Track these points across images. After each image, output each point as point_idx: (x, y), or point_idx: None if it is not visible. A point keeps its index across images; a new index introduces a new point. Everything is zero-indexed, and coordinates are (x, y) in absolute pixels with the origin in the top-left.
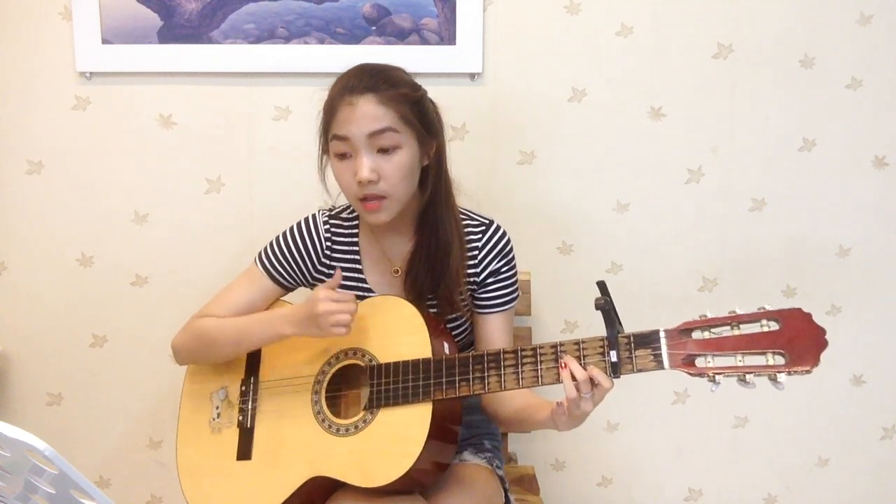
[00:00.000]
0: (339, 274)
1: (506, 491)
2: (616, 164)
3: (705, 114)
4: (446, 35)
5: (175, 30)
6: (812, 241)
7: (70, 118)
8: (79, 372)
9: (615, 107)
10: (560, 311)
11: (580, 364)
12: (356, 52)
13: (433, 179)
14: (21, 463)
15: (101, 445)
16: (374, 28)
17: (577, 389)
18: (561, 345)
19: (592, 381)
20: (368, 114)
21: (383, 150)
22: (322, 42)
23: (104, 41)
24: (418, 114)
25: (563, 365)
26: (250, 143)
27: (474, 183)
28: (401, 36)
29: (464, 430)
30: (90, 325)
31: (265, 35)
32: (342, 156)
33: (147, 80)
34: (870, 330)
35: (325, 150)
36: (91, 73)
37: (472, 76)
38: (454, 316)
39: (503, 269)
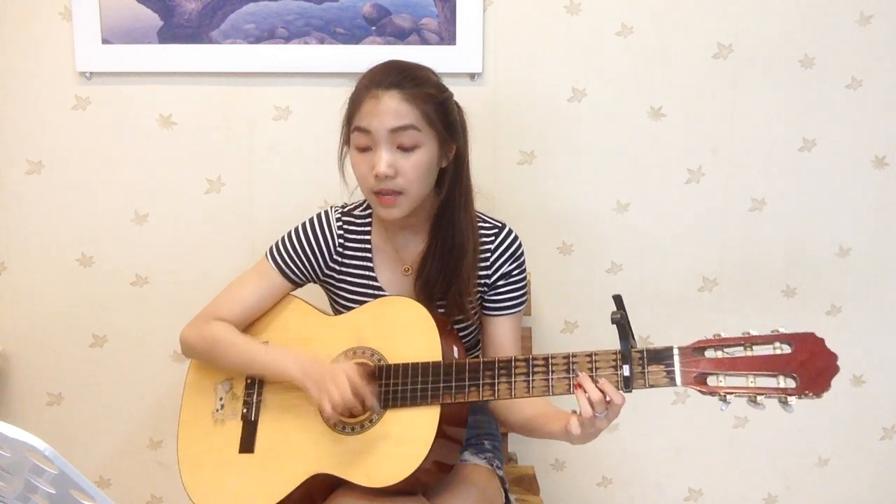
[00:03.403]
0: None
1: (506, 491)
2: (616, 164)
3: (705, 114)
4: (446, 35)
5: (175, 30)
6: (812, 241)
7: (70, 118)
8: (79, 372)
9: (615, 107)
10: (560, 311)
11: (593, 381)
12: (356, 52)
13: (451, 182)
14: (21, 463)
15: (101, 445)
16: (374, 28)
17: (592, 408)
18: (573, 356)
19: (606, 399)
20: (392, 109)
21: (403, 148)
22: (322, 42)
23: (104, 41)
24: (441, 115)
25: (577, 385)
26: (250, 143)
27: (474, 183)
28: (401, 36)
29: None
30: (90, 325)
31: (265, 35)
32: (362, 148)
33: (147, 80)
34: (870, 330)
35: (346, 141)
36: (91, 73)
37: (472, 76)
38: (461, 318)
39: (514, 273)
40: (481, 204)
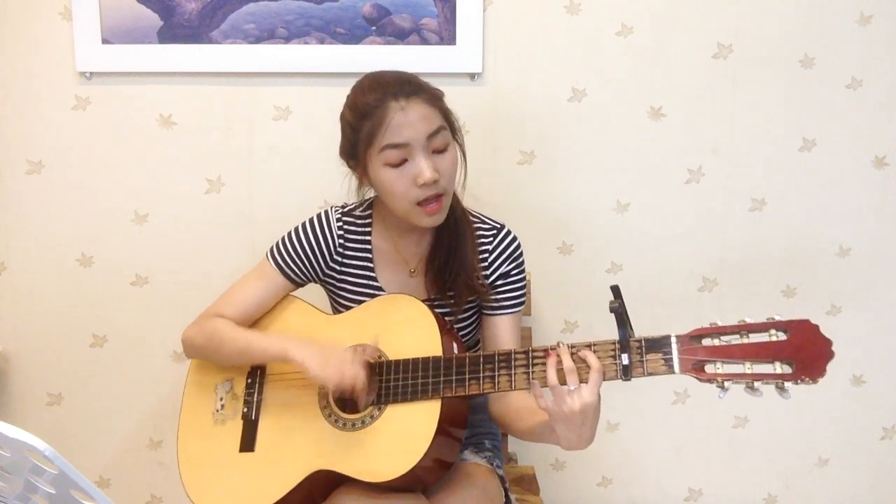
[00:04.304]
0: (376, 342)
1: (506, 490)
2: (616, 164)
3: (705, 114)
4: (446, 35)
5: (175, 30)
6: (812, 241)
7: (70, 118)
8: (79, 372)
9: (615, 107)
10: (560, 311)
11: (570, 353)
12: (356, 52)
13: None
14: (21, 463)
15: (101, 445)
16: (374, 28)
17: (564, 380)
18: (572, 346)
19: (580, 376)
20: (423, 115)
21: (437, 151)
22: (322, 42)
23: (104, 41)
24: (449, 111)
25: (548, 354)
26: (250, 143)
27: (474, 183)
28: (401, 36)
29: None
30: (90, 325)
31: (265, 35)
32: (397, 164)
33: (147, 80)
34: (870, 330)
35: (358, 166)
36: (91, 73)
37: (472, 76)
38: (463, 316)
39: (513, 273)
40: (482, 204)
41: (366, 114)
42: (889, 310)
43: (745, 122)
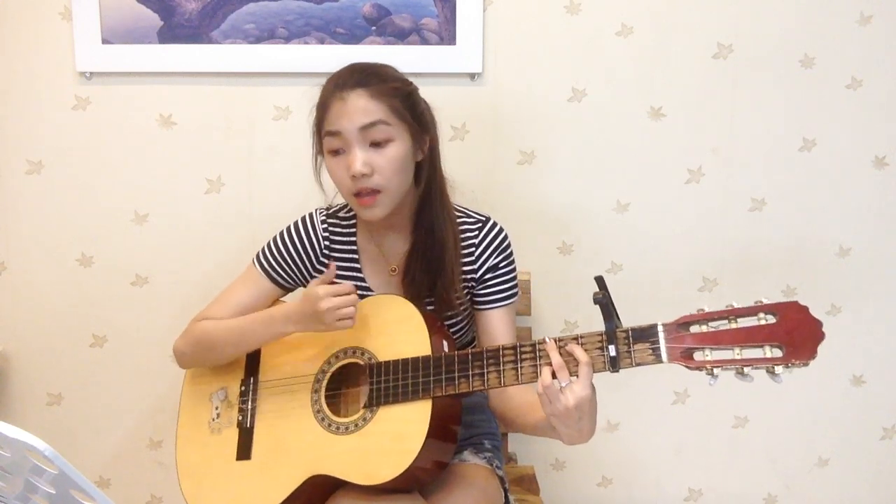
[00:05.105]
0: (333, 268)
1: (506, 491)
2: (616, 164)
3: (705, 114)
4: (446, 35)
5: (175, 30)
6: (812, 241)
7: (70, 118)
8: (79, 372)
9: (615, 107)
10: (560, 311)
11: (558, 348)
12: (356, 52)
13: (427, 176)
14: (21, 463)
15: (101, 445)
16: (374, 28)
17: (553, 376)
18: (560, 340)
19: (569, 370)
20: (359, 108)
21: (376, 144)
22: (322, 42)
23: (104, 41)
24: (409, 107)
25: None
26: (250, 143)
27: (474, 183)
28: (401, 36)
29: (463, 429)
30: (90, 325)
31: (265, 35)
32: (335, 152)
33: (147, 80)
34: (870, 330)
35: (319, 150)
36: (91, 73)
37: (472, 76)
38: (451, 313)
39: (501, 265)
40: (482, 204)
41: (320, 103)
42: (889, 310)
43: (745, 122)
